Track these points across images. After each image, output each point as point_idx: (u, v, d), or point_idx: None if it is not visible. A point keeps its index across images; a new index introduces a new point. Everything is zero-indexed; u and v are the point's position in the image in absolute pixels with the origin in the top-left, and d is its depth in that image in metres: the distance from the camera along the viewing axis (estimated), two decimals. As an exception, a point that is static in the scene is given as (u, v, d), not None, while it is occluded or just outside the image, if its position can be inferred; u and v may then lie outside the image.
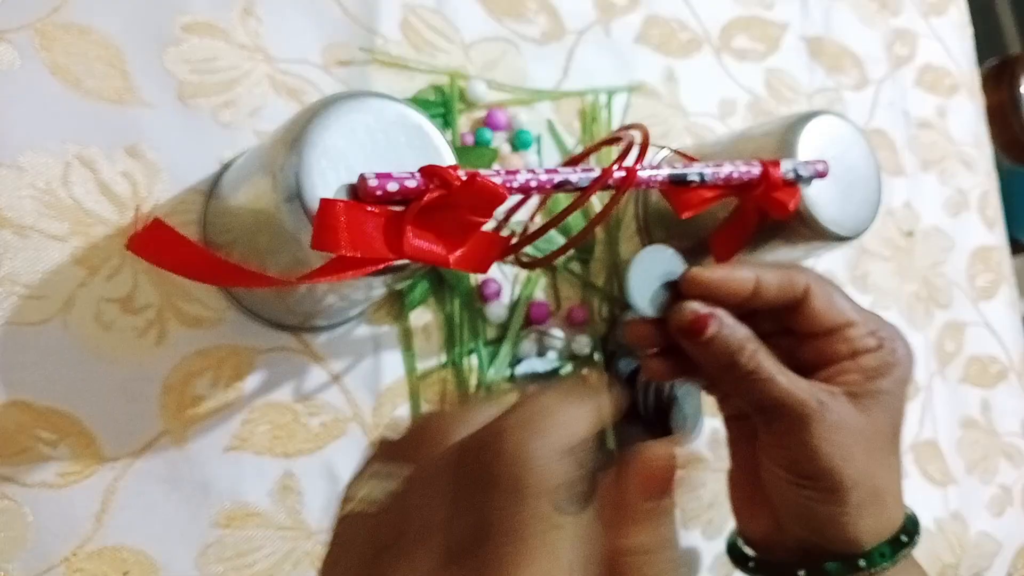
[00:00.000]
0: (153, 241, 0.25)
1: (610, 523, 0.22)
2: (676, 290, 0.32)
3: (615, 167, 0.31)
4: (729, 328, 0.31)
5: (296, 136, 0.26)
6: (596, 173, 0.31)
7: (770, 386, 0.31)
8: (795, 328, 0.33)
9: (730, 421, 0.37)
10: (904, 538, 0.32)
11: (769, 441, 0.32)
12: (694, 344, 0.31)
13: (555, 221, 0.32)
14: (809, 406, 0.31)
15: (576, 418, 0.21)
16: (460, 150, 0.41)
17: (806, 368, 0.33)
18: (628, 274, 0.32)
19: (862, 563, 0.32)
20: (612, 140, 0.36)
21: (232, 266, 0.25)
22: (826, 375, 0.33)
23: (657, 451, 0.22)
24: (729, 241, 0.38)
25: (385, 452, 0.23)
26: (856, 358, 0.33)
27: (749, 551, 0.35)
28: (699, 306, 0.31)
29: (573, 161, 0.39)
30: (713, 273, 0.32)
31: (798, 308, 0.33)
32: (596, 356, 0.43)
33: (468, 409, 0.23)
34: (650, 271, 0.32)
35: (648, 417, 0.43)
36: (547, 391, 0.22)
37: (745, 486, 0.35)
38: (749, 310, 0.32)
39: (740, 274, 0.32)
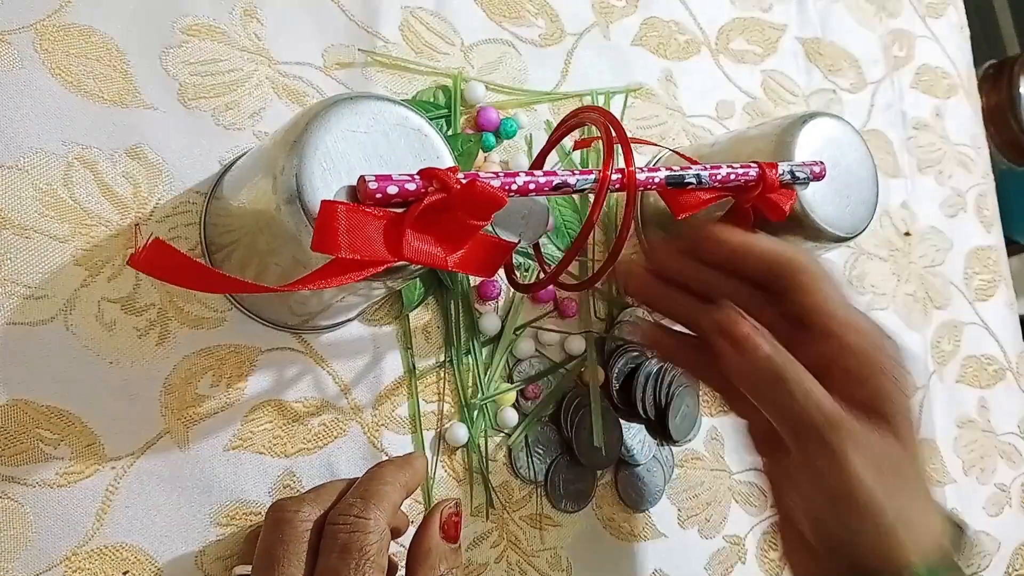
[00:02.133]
0: (154, 259, 0.25)
1: (419, 562, 0.29)
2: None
3: (610, 170, 0.31)
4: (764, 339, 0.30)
5: (296, 138, 0.26)
6: (593, 176, 0.31)
7: (798, 399, 0.29)
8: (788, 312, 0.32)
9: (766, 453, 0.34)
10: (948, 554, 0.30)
11: (799, 461, 0.30)
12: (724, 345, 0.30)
13: (579, 242, 0.33)
14: (840, 421, 0.29)
15: (399, 487, 0.30)
16: (450, 138, 0.41)
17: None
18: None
19: None
20: (572, 125, 0.36)
21: (234, 280, 0.25)
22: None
23: (447, 507, 0.30)
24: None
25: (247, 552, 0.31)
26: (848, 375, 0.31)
27: None
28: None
29: (546, 150, 0.39)
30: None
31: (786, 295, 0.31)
32: (590, 355, 0.43)
33: (322, 492, 0.30)
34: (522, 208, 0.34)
35: (647, 417, 0.43)
36: (382, 466, 0.31)
37: (793, 527, 0.32)
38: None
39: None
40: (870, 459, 0.29)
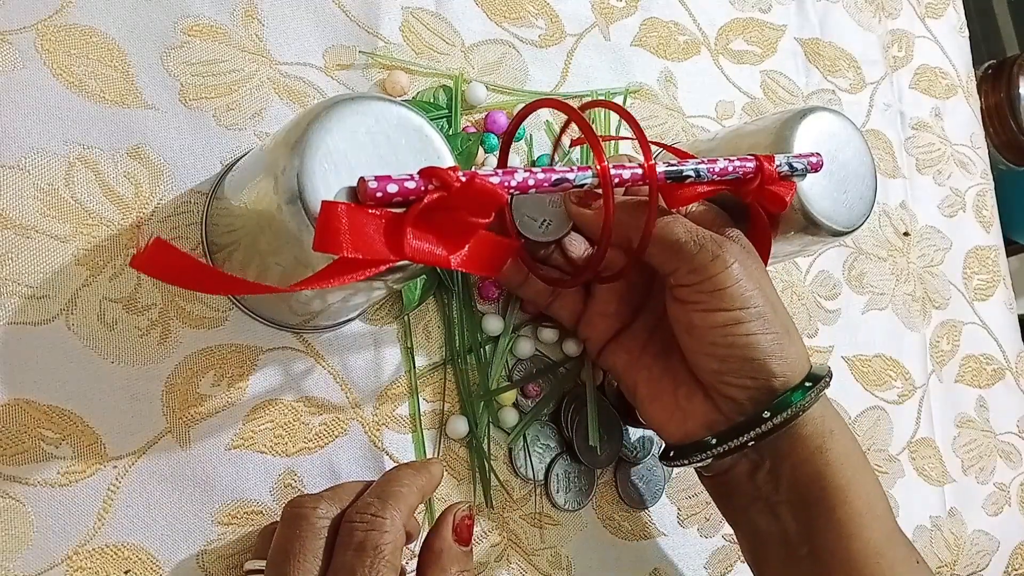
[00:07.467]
0: (156, 259, 0.25)
1: (430, 563, 0.30)
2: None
3: (597, 163, 0.31)
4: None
5: (298, 138, 0.26)
6: (591, 172, 0.31)
7: (680, 226, 0.34)
8: None
9: (610, 354, 0.39)
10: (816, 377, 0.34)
11: (686, 292, 0.34)
12: (604, 204, 0.33)
13: (606, 239, 0.33)
14: (718, 240, 0.33)
15: (415, 490, 0.30)
16: (450, 137, 0.41)
17: None
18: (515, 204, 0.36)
19: (796, 396, 0.33)
20: (537, 105, 0.36)
21: (236, 279, 0.26)
22: None
23: (460, 510, 0.31)
24: (762, 249, 0.37)
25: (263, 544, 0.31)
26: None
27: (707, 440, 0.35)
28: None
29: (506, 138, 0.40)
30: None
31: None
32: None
33: (340, 491, 0.30)
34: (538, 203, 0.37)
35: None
36: (399, 469, 0.31)
37: (665, 393, 0.37)
38: None
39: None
40: (748, 268, 0.34)
